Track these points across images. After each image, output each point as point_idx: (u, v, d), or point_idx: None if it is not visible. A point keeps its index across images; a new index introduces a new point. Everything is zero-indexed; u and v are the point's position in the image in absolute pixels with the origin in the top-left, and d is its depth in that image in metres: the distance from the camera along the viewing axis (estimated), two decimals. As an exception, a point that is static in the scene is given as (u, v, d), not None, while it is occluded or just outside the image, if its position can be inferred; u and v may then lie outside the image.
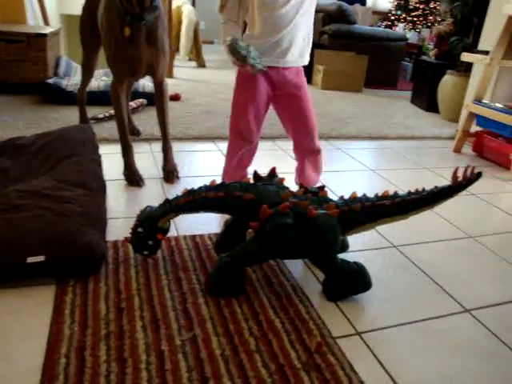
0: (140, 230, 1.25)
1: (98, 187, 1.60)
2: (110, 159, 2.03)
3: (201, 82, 4.26)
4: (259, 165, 2.22)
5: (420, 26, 7.24)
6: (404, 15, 7.42)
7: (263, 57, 1.45)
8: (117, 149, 1.96)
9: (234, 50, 1.37)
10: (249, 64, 1.38)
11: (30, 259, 1.17)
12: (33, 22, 3.65)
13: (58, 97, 2.96)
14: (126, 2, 1.66)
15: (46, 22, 3.77)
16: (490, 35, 2.79)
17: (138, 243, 1.27)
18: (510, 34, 2.55)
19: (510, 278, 1.45)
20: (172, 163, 1.96)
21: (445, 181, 1.17)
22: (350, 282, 1.21)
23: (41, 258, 1.18)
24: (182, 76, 4.42)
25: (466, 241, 1.67)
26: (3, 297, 1.13)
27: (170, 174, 1.93)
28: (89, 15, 2.10)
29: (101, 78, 3.27)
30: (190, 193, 1.23)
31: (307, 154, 1.67)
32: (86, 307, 1.10)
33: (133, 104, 2.79)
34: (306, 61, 1.56)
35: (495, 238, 1.71)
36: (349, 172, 2.29)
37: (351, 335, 1.10)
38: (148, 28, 1.72)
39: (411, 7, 7.37)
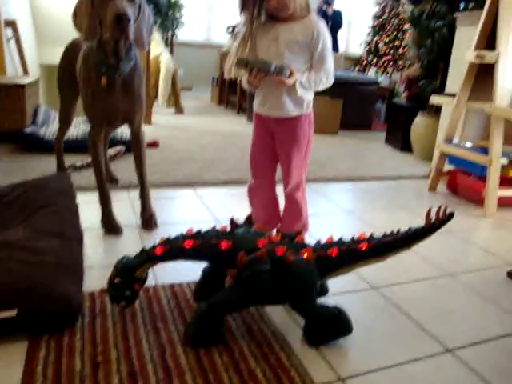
0: (117, 280, 1.24)
1: (75, 236, 1.58)
2: (88, 207, 2.01)
3: (179, 129, 4.32)
4: (237, 208, 2.23)
5: (390, 70, 7.55)
6: (375, 60, 7.75)
7: (259, 107, 1.65)
8: (94, 197, 1.95)
9: (253, 61, 1.50)
10: (272, 69, 1.47)
11: (1, 314, 1.14)
12: (12, 72, 3.69)
13: (36, 145, 2.95)
14: (102, 53, 1.70)
15: (26, 72, 3.81)
16: (456, 78, 2.93)
17: (115, 294, 1.25)
18: (473, 78, 2.68)
19: (490, 315, 1.46)
20: (150, 210, 1.96)
21: (421, 220, 1.19)
22: (330, 327, 1.20)
23: (13, 313, 1.14)
24: (161, 122, 4.48)
25: (445, 279, 1.69)
26: (-28, 356, 1.09)
27: (148, 221, 1.93)
28: (67, 66, 2.14)
29: (79, 127, 3.28)
30: (166, 242, 1.22)
31: (286, 199, 1.74)
32: (60, 363, 1.06)
33: (111, 152, 2.79)
34: (290, 113, 1.61)
35: (473, 275, 1.73)
36: (326, 214, 2.31)
37: (334, 382, 1.09)
38: (124, 78, 1.76)
39: (381, 52, 7.70)
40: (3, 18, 3.50)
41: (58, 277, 1.27)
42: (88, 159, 2.58)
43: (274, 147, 1.71)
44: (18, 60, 3.79)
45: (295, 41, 1.55)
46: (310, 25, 1.55)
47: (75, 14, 1.68)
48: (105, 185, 1.90)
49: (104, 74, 1.71)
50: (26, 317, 1.16)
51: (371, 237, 1.21)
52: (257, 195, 1.81)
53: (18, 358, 1.08)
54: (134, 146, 1.96)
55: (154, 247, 1.23)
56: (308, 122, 1.68)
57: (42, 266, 1.29)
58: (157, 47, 5.07)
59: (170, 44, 6.91)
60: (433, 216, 1.16)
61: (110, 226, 1.85)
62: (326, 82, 1.60)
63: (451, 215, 1.17)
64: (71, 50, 2.11)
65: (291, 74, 1.49)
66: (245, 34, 1.58)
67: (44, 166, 2.64)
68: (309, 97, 1.63)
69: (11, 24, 3.60)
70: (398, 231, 1.19)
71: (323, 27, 1.56)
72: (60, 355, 1.09)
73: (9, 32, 3.63)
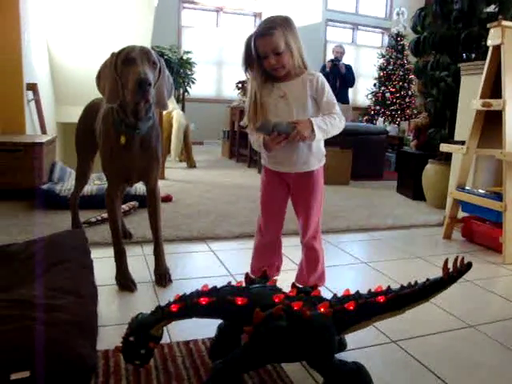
0: (131, 338, 1.22)
1: (90, 294, 1.57)
2: (102, 263, 2.02)
3: (191, 183, 4.38)
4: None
5: (399, 119, 7.68)
6: (383, 110, 7.90)
7: (276, 165, 1.68)
8: (109, 252, 1.96)
9: (277, 125, 1.51)
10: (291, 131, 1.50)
11: (14, 376, 1.12)
12: (31, 131, 3.83)
13: (52, 202, 3.01)
14: (121, 113, 1.76)
15: (44, 131, 3.95)
16: (464, 126, 2.97)
17: (130, 352, 1.23)
18: (481, 125, 2.71)
19: (516, 369, 1.40)
20: (164, 266, 1.96)
21: (438, 269, 1.18)
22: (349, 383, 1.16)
23: (26, 374, 1.13)
24: (174, 177, 4.56)
25: (466, 330, 1.63)
26: (-15, 420, 1.07)
27: (162, 277, 1.92)
28: (85, 126, 2.21)
29: (94, 182, 3.35)
30: (182, 299, 1.21)
31: (304, 248, 1.77)
32: (74, 428, 1.04)
33: (125, 207, 2.83)
34: (311, 167, 1.67)
35: (496, 326, 1.68)
36: (341, 266, 2.29)
37: None
38: (142, 137, 1.81)
39: (388, 102, 7.87)
40: (25, 82, 3.68)
41: (72, 336, 1.26)
42: (103, 214, 2.62)
43: (286, 201, 1.75)
44: (36, 119, 3.95)
45: (304, 96, 1.61)
46: (311, 78, 1.62)
47: (99, 77, 1.76)
48: (121, 241, 1.91)
49: (123, 133, 1.76)
50: (39, 377, 1.14)
51: (388, 289, 1.19)
52: (264, 250, 1.82)
53: (30, 422, 1.06)
54: (150, 203, 1.98)
55: (169, 304, 1.22)
56: (322, 172, 1.73)
57: (56, 324, 1.28)
58: (169, 104, 5.25)
59: (181, 100, 7.14)
60: (450, 266, 1.15)
61: (125, 282, 1.84)
62: (340, 123, 1.62)
63: (469, 265, 1.15)
64: (90, 110, 2.18)
65: (295, 127, 1.51)
66: (252, 91, 1.64)
67: (60, 222, 2.67)
68: (323, 148, 1.71)
69: (33, 87, 3.78)
70: (416, 283, 1.17)
71: (322, 77, 1.64)
72: (73, 419, 1.06)
73: (30, 94, 3.80)
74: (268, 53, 1.55)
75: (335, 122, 1.60)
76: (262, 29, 1.56)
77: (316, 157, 1.68)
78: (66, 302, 1.43)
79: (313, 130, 1.53)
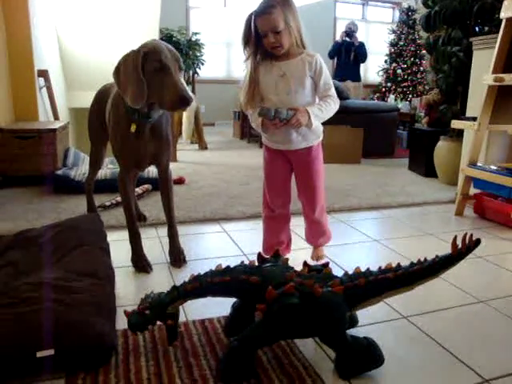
0: (147, 312, 1.26)
1: (107, 275, 1.62)
2: (118, 246, 2.07)
3: (203, 164, 4.41)
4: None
5: (410, 96, 7.57)
6: (394, 87, 7.80)
7: (277, 144, 1.78)
8: (124, 235, 2.01)
9: (276, 112, 1.60)
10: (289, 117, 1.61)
11: (40, 353, 1.17)
12: (44, 118, 3.87)
13: (67, 187, 3.06)
14: None
15: (56, 117, 4.00)
16: (476, 102, 2.93)
17: (138, 323, 1.26)
18: (494, 100, 2.68)
19: (526, 343, 1.42)
20: (178, 248, 2.00)
21: (450, 246, 1.19)
22: (361, 359, 1.20)
23: (50, 352, 1.18)
24: (186, 159, 4.59)
25: (477, 306, 1.65)
26: (13, 396, 1.13)
27: (176, 258, 1.96)
28: (97, 112, 2.22)
29: (107, 167, 3.40)
30: (196, 279, 1.25)
31: (308, 220, 1.93)
32: (97, 402, 1.09)
33: (138, 190, 2.88)
34: (310, 143, 1.78)
35: (507, 301, 1.69)
36: (353, 244, 2.31)
37: (368, 415, 1.08)
38: (153, 123, 1.82)
39: (400, 79, 7.75)
40: (36, 68, 3.71)
41: (92, 316, 1.31)
42: (117, 198, 2.66)
43: (290, 177, 1.86)
44: (48, 106, 3.99)
45: (303, 76, 1.66)
46: (310, 59, 1.67)
47: (118, 72, 1.69)
48: (135, 224, 1.95)
49: (134, 121, 1.77)
50: (63, 355, 1.19)
51: (398, 266, 1.21)
52: (273, 225, 1.93)
53: (56, 397, 1.12)
54: (162, 186, 2.01)
55: (184, 284, 1.26)
56: (320, 148, 1.83)
57: (77, 305, 1.33)
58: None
59: (191, 82, 7.13)
60: (459, 243, 1.16)
61: (141, 264, 1.89)
62: (334, 105, 1.71)
63: (478, 241, 1.16)
64: (102, 95, 2.18)
65: (294, 114, 1.61)
66: (250, 69, 1.70)
67: (75, 206, 2.73)
68: (320, 126, 1.78)
69: (43, 73, 3.81)
70: (425, 259, 1.19)
71: (320, 58, 1.70)
72: (96, 394, 1.12)
73: (41, 81, 3.83)
74: (267, 31, 1.59)
75: (330, 108, 1.69)
76: (262, 7, 1.59)
77: (315, 133, 1.77)
78: (84, 284, 1.48)
79: (310, 118, 1.63)
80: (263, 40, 1.62)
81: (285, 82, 1.66)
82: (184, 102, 1.60)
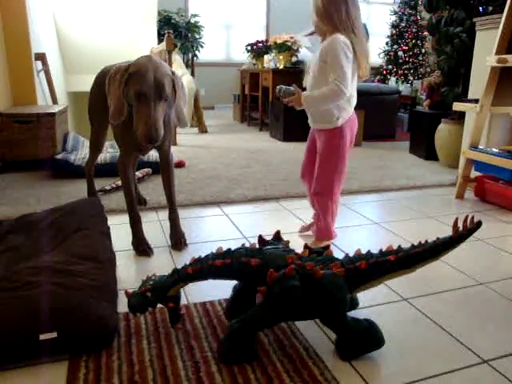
0: (148, 294, 1.26)
1: (108, 259, 1.63)
2: (119, 230, 2.07)
3: (203, 148, 4.40)
4: (264, 225, 2.26)
5: (411, 78, 7.51)
6: (395, 69, 7.72)
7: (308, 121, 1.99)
8: (125, 219, 2.01)
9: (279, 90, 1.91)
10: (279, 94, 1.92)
11: (43, 336, 1.18)
12: (42, 102, 3.85)
13: (67, 171, 3.06)
14: None
15: (55, 101, 3.97)
16: (478, 84, 2.91)
17: (139, 305, 1.27)
18: (496, 82, 2.65)
19: (525, 325, 1.43)
20: (179, 231, 2.00)
21: (450, 229, 1.19)
22: (362, 340, 1.21)
23: (53, 335, 1.19)
24: (186, 143, 4.57)
25: (477, 288, 1.66)
26: (16, 376, 1.14)
27: (177, 242, 1.96)
28: (97, 95, 2.19)
29: (107, 150, 3.38)
30: (197, 261, 1.25)
31: (313, 194, 1.99)
32: (99, 383, 1.10)
33: (138, 174, 2.87)
34: (321, 126, 1.91)
35: (507, 283, 1.70)
36: (353, 227, 2.31)
37: (368, 396, 1.09)
38: None
39: (401, 61, 7.68)
40: (34, 52, 3.67)
41: (94, 299, 1.31)
42: (117, 182, 2.66)
43: (315, 151, 1.98)
44: (47, 90, 3.96)
45: (317, 62, 1.82)
46: (326, 43, 1.79)
47: (109, 80, 1.71)
48: (135, 208, 1.95)
49: None
50: (65, 338, 1.20)
51: (399, 248, 1.21)
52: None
53: (59, 377, 1.13)
54: (163, 169, 2.01)
55: (185, 267, 1.26)
56: (336, 135, 1.86)
57: (79, 288, 1.34)
58: (178, 69, 5.20)
59: (191, 65, 7.06)
60: (460, 225, 1.16)
61: (142, 248, 1.90)
62: (329, 93, 1.75)
63: (479, 224, 1.16)
64: (101, 78, 2.16)
65: (293, 95, 1.83)
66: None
67: (75, 190, 2.73)
68: (336, 112, 1.83)
69: (41, 57, 3.77)
70: (426, 242, 1.19)
71: (335, 39, 1.74)
72: (99, 374, 1.13)
73: (39, 64, 3.80)
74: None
75: (324, 96, 1.77)
76: None
77: (324, 119, 1.87)
78: (86, 267, 1.48)
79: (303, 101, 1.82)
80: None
81: (314, 62, 1.86)
82: (148, 140, 1.60)
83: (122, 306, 1.44)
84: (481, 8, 3.65)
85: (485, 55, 2.72)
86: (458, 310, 1.50)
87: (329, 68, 1.74)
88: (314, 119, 1.92)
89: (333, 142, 1.87)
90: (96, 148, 2.44)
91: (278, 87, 1.91)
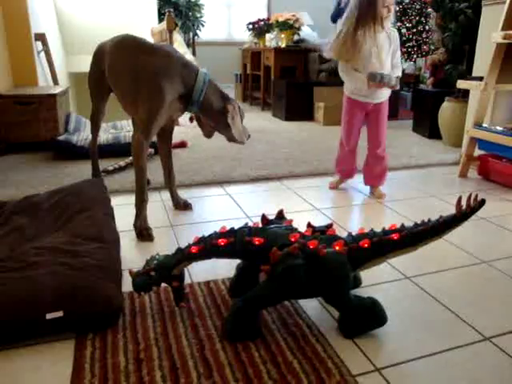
0: (152, 273, 1.27)
1: (112, 239, 1.63)
2: (122, 210, 2.08)
3: (206, 127, 4.36)
4: (267, 204, 2.26)
5: (415, 56, 7.40)
6: (399, 47, 7.60)
7: (365, 98, 2.32)
8: (127, 199, 2.01)
9: (383, 77, 2.20)
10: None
11: (49, 315, 1.20)
12: (43, 83, 3.82)
13: (69, 152, 3.05)
14: None
15: (56, 82, 3.94)
16: (483, 61, 2.86)
17: (143, 284, 1.28)
18: (501, 59, 2.62)
19: (527, 302, 1.43)
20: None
21: (453, 207, 1.19)
22: (364, 318, 1.22)
23: (59, 314, 1.20)
24: (187, 123, 4.53)
25: (480, 266, 1.67)
26: (23, 354, 1.16)
27: (186, 203, 2.16)
28: (95, 71, 2.20)
29: (109, 131, 3.37)
30: (201, 241, 1.26)
31: (374, 158, 2.43)
32: (106, 360, 1.12)
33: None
34: (384, 98, 2.34)
35: (509, 261, 1.70)
36: (356, 206, 2.31)
37: (370, 372, 1.10)
38: None
39: (404, 38, 7.56)
40: (33, 32, 3.63)
41: (99, 279, 1.32)
42: (120, 162, 2.65)
43: (362, 122, 2.39)
44: (48, 71, 3.92)
45: (389, 47, 2.22)
46: (392, 33, 2.24)
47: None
48: (145, 191, 1.92)
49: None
50: (72, 317, 1.22)
51: (402, 227, 1.21)
52: (346, 157, 2.50)
53: (66, 355, 1.15)
54: (167, 149, 2.14)
55: (189, 246, 1.27)
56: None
57: (84, 268, 1.35)
58: (179, 49, 5.14)
59: (192, 45, 6.98)
60: (464, 203, 1.16)
61: (144, 232, 1.86)
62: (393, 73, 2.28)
63: (482, 202, 1.16)
64: (98, 53, 2.17)
65: (397, 81, 2.26)
66: (352, 31, 2.12)
67: (78, 171, 2.73)
68: None
69: (41, 37, 3.73)
70: (429, 220, 1.19)
71: (397, 33, 2.28)
72: (105, 353, 1.14)
73: (39, 45, 3.76)
74: (392, 3, 2.10)
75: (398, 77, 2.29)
76: None
77: (388, 92, 2.34)
78: (90, 247, 1.49)
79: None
80: (382, 10, 2.08)
81: (377, 51, 2.18)
82: None
83: (127, 285, 1.45)
84: (487, -17, 3.57)
85: (490, 31, 2.67)
86: (460, 288, 1.51)
87: (396, 55, 2.27)
88: (382, 95, 2.30)
89: (387, 108, 2.38)
90: (95, 123, 2.43)
91: (377, 75, 2.16)
